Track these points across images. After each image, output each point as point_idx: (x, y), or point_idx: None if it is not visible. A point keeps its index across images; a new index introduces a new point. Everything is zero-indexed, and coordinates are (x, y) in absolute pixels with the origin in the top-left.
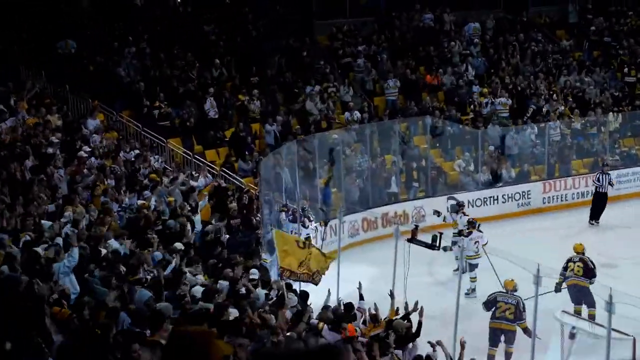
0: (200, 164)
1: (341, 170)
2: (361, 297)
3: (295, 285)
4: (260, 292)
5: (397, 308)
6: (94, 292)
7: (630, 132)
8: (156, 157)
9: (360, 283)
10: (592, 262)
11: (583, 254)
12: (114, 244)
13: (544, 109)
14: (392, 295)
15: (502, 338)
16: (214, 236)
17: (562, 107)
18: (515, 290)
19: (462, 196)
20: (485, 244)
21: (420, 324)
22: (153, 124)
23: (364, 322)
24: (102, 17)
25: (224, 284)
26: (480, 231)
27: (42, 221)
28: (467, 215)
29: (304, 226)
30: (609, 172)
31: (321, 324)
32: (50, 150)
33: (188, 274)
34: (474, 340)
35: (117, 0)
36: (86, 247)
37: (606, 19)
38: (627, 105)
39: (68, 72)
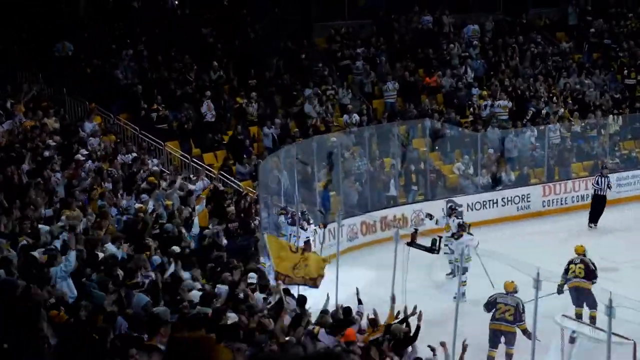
0: (198, 167)
1: (340, 174)
2: (360, 302)
3: (294, 290)
4: (259, 296)
5: (398, 312)
6: (91, 296)
7: (630, 135)
8: (154, 160)
9: (357, 289)
10: (593, 263)
11: (584, 255)
12: (111, 247)
13: (544, 112)
14: (393, 299)
15: (503, 339)
16: (212, 240)
17: (562, 110)
18: (516, 292)
19: (461, 199)
20: (477, 245)
21: (418, 328)
22: (151, 126)
23: (362, 328)
24: (101, 18)
25: (222, 288)
26: (471, 234)
27: (40, 225)
28: (460, 219)
29: (303, 229)
30: (608, 175)
31: (317, 328)
32: (46, 153)
33: (186, 280)
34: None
35: (114, 2)
36: (83, 251)
37: (606, 21)
38: (627, 107)
39: (65, 75)
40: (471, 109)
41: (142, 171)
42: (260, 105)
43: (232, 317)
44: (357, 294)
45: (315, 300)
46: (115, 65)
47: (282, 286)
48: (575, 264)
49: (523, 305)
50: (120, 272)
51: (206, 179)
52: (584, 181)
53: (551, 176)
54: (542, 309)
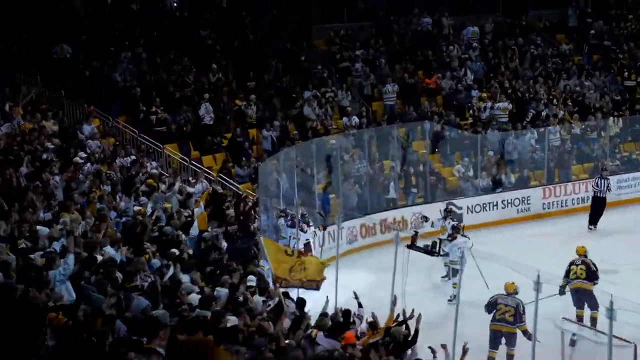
0: (197, 169)
1: (339, 176)
2: (360, 305)
3: (293, 293)
4: (258, 299)
5: (398, 315)
6: (90, 299)
7: (630, 137)
8: (153, 163)
9: (355, 292)
10: (594, 264)
11: (585, 256)
12: (109, 250)
13: (544, 114)
14: (394, 301)
15: (503, 341)
16: (211, 243)
17: (562, 112)
18: (516, 293)
19: (461, 202)
20: (471, 247)
21: (417, 331)
22: (149, 129)
23: (362, 331)
24: (100, 20)
25: (221, 291)
26: (465, 236)
27: (38, 227)
28: (455, 221)
29: (302, 231)
30: (608, 176)
31: (315, 332)
32: (45, 156)
33: (185, 283)
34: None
35: (113, 3)
36: (81, 254)
37: (606, 23)
38: (628, 109)
39: (64, 77)
40: (471, 111)
41: (140, 174)
42: (260, 108)
43: (232, 321)
44: (356, 297)
45: (315, 303)
46: (114, 67)
47: (281, 289)
48: (577, 265)
49: (523, 306)
50: (119, 275)
51: (205, 181)
52: (584, 183)
53: (551, 178)
54: (542, 310)
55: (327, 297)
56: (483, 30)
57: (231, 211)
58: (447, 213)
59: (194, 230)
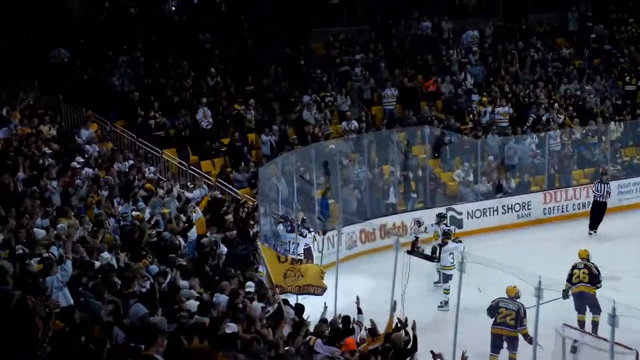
0: (196, 174)
1: (338, 181)
2: (359, 311)
3: (292, 299)
4: (257, 305)
5: (399, 319)
6: (87, 305)
7: (631, 142)
8: (151, 168)
9: (357, 297)
10: (596, 268)
11: (588, 260)
12: (107, 256)
13: (544, 118)
14: (393, 307)
15: (505, 345)
16: (210, 249)
17: (563, 116)
18: (518, 297)
19: (461, 207)
20: (462, 251)
21: (415, 338)
22: (148, 134)
23: (361, 337)
24: (97, 24)
25: (220, 297)
26: (459, 241)
27: (35, 229)
28: (447, 227)
29: (302, 236)
30: (608, 181)
31: (313, 339)
32: (42, 161)
33: (184, 289)
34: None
35: (111, 7)
36: (78, 260)
37: (606, 27)
38: (629, 114)
39: (61, 82)
40: (471, 116)
41: (139, 179)
42: (258, 112)
43: (231, 327)
44: (358, 303)
45: (314, 309)
46: (112, 72)
47: (281, 296)
48: (579, 269)
49: (525, 310)
50: (117, 281)
51: (204, 186)
52: (584, 188)
53: (552, 183)
54: (543, 314)
55: (325, 303)
56: (483, 34)
57: (230, 216)
58: (440, 219)
59: (193, 236)
